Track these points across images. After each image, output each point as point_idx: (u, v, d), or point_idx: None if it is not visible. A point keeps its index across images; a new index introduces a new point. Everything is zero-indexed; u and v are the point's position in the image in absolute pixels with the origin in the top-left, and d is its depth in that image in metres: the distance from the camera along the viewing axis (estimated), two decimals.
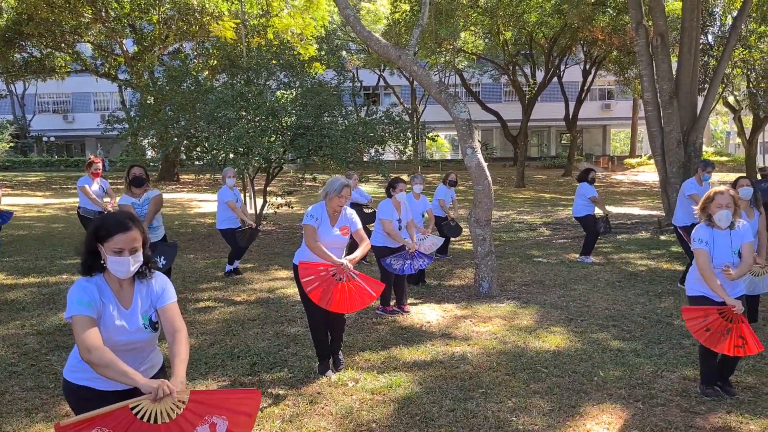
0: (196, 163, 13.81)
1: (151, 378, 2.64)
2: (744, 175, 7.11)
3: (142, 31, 26.81)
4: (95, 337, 2.46)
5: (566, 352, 5.39)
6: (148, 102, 14.34)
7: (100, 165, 9.33)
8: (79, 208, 9.39)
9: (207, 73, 19.75)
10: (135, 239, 2.59)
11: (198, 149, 12.98)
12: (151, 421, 2.39)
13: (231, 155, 11.75)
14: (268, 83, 13.46)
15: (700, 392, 4.46)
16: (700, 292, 4.41)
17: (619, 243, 11.82)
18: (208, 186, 26.56)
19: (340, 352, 5.02)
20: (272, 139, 11.54)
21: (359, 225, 4.90)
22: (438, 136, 44.28)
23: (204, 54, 23.37)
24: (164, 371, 2.88)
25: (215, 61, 18.94)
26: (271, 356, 5.25)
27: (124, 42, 26.78)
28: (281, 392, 4.49)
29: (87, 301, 2.54)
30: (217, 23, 20.37)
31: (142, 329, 2.65)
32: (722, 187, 4.33)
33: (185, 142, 13.00)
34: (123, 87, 31.03)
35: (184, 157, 13.93)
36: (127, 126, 13.26)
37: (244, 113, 11.96)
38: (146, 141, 14.18)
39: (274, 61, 13.67)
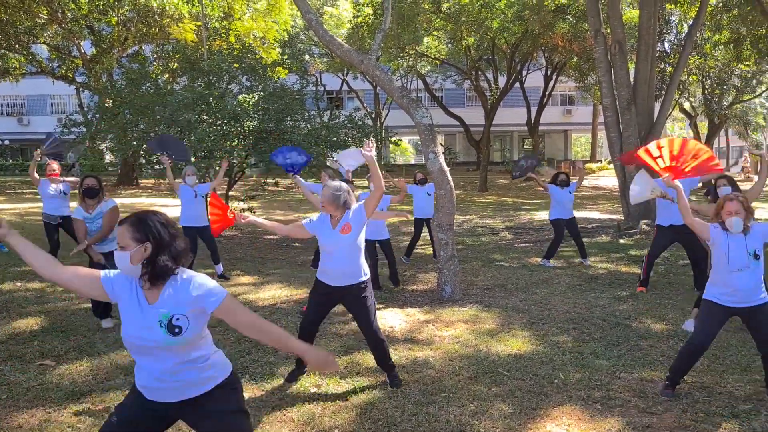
0: (156, 167, 13.60)
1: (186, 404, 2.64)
2: (726, 174, 7.26)
3: (101, 32, 26.32)
4: (66, 270, 2.60)
5: (527, 355, 5.44)
6: (107, 105, 14.08)
7: (54, 166, 9.09)
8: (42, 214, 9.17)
9: (167, 76, 19.49)
10: (122, 235, 2.52)
11: (157, 153, 12.79)
12: None
13: (192, 159, 11.60)
14: (229, 87, 13.34)
15: (659, 393, 4.52)
16: (712, 296, 4.50)
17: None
18: (168, 191, 26.17)
19: (394, 372, 4.82)
20: (234, 143, 11.43)
21: (361, 206, 4.62)
22: (401, 140, 44.35)
23: (164, 57, 23.05)
24: (208, 399, 2.68)
25: (176, 64, 18.71)
26: (231, 362, 5.17)
27: (81, 44, 26.27)
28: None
29: (109, 275, 2.62)
30: (178, 26, 20.13)
31: (155, 327, 2.51)
32: (732, 194, 4.45)
33: (144, 146, 12.80)
34: (81, 90, 30.39)
35: (144, 161, 13.71)
36: (84, 129, 12.99)
37: (205, 117, 11.83)
38: (104, 145, 13.92)
39: (236, 65, 13.56)
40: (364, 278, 4.62)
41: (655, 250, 8.01)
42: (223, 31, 20.66)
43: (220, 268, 8.85)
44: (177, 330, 2.52)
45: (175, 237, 2.60)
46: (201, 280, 2.60)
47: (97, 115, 13.44)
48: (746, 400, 4.44)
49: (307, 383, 4.74)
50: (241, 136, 11.71)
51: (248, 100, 12.58)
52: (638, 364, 5.21)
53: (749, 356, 5.38)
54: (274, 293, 7.92)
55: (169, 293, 2.55)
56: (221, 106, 11.55)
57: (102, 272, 2.63)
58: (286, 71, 16.75)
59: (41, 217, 9.24)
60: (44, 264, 2.60)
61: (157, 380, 2.59)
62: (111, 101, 14.19)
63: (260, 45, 19.39)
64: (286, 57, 20.79)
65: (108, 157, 14.50)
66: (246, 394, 4.48)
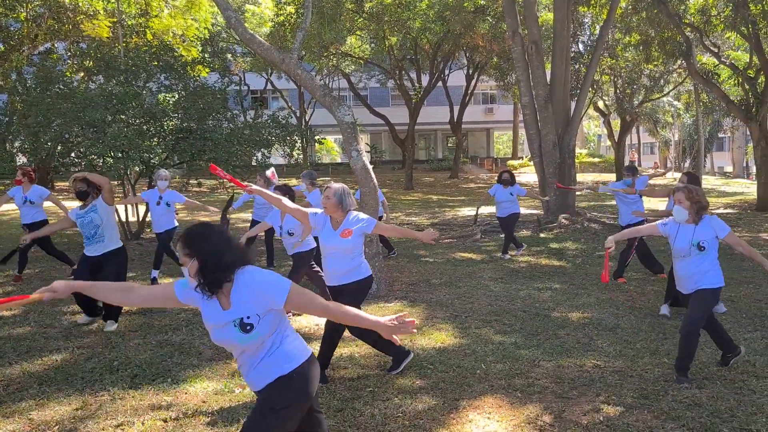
0: (72, 169, 13.08)
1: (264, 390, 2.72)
2: (690, 171, 7.71)
3: (9, 29, 25.01)
4: (140, 296, 2.83)
5: (451, 348, 5.56)
6: (16, 106, 13.44)
7: (18, 172, 8.70)
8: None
9: (82, 74, 18.73)
10: (180, 251, 2.67)
11: (72, 155, 12.31)
12: None
13: (109, 159, 11.23)
14: (147, 85, 12.98)
15: (677, 383, 4.60)
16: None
17: (501, 241, 12.29)
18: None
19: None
20: (152, 142, 11.14)
21: (373, 223, 4.71)
22: (326, 139, 44.30)
23: (78, 55, 22.14)
24: (285, 381, 2.70)
25: (90, 63, 18.01)
26: (153, 367, 5.07)
27: None
28: (164, 403, 4.35)
29: (183, 285, 2.78)
30: (92, 22, 19.36)
31: (231, 327, 2.65)
32: (679, 185, 4.78)
33: (58, 147, 12.28)
34: None
35: (58, 163, 13.15)
36: None
37: (122, 116, 11.47)
38: (15, 147, 13.28)
39: (154, 63, 13.19)
40: (359, 278, 4.77)
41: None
42: (140, 28, 20.01)
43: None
44: (249, 327, 2.64)
45: (224, 248, 2.66)
46: (261, 278, 2.68)
47: (7, 117, 12.80)
48: (655, 382, 4.69)
49: (232, 384, 4.70)
50: (160, 136, 11.41)
51: (168, 99, 12.27)
52: (556, 352, 5.42)
53: (658, 340, 5.69)
54: None
55: (237, 297, 2.66)
56: (138, 105, 11.22)
57: (174, 285, 2.79)
58: (208, 70, 16.42)
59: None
60: (119, 299, 2.90)
61: (247, 373, 2.76)
62: (21, 101, 13.54)
63: (180, 43, 18.88)
64: (207, 55, 20.35)
65: (21, 160, 13.79)
66: (168, 398, 4.41)
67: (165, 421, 4.06)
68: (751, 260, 4.79)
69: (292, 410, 2.67)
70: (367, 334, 4.82)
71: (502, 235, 11.03)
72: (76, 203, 6.38)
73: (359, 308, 4.67)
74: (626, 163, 23.71)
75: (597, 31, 22.94)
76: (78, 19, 21.18)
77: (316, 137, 14.34)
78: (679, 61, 24.10)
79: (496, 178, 10.78)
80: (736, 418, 4.02)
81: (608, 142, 37.26)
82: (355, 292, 4.81)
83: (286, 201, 4.77)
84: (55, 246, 9.20)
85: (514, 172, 10.74)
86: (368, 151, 41.89)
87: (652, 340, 5.71)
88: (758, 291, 7.72)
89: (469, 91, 33.40)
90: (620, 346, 5.57)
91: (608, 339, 5.79)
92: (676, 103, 38.20)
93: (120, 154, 10.68)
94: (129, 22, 20.22)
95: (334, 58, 28.62)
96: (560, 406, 4.26)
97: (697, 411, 4.13)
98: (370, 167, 7.75)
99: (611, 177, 31.65)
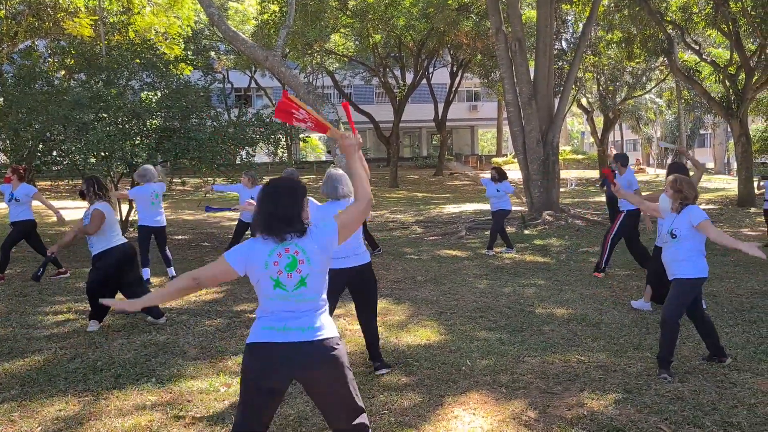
0: (53, 168, 12.94)
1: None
2: (675, 161, 7.74)
3: None
4: (205, 280, 2.87)
5: (436, 345, 5.58)
6: None
7: (9, 170, 8.68)
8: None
9: (63, 72, 18.55)
10: None
11: (54, 154, 12.19)
12: None
13: (91, 159, 11.14)
14: (130, 83, 12.87)
15: (659, 377, 4.66)
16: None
17: (486, 238, 12.34)
18: (68, 192, 24.98)
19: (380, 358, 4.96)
20: (136, 142, 11.06)
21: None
22: (310, 137, 44.23)
23: (59, 52, 21.92)
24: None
25: (72, 61, 17.83)
26: (137, 367, 5.04)
27: None
28: (148, 403, 4.33)
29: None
30: (73, 20, 19.18)
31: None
32: (671, 177, 4.89)
33: (40, 146, 12.15)
34: None
35: (39, 162, 13.02)
36: None
37: (105, 115, 11.37)
38: None
39: (136, 61, 13.09)
40: (369, 260, 4.84)
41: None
42: (122, 25, 19.86)
43: (171, 270, 8.66)
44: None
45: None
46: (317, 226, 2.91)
47: None
48: (638, 376, 4.73)
49: (217, 383, 4.68)
50: (144, 135, 11.33)
51: (150, 97, 12.18)
52: (541, 347, 5.45)
53: (641, 335, 5.74)
54: None
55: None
56: (120, 104, 11.13)
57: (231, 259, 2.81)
58: (191, 68, 16.32)
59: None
60: (187, 291, 2.92)
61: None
62: (1, 100, 13.37)
63: (162, 40, 18.76)
64: (190, 53, 20.25)
65: (1, 158, 13.65)
66: (152, 398, 4.39)
67: (150, 421, 4.04)
68: (722, 245, 4.83)
69: None
70: (368, 332, 4.89)
71: (488, 232, 11.08)
72: (64, 203, 6.36)
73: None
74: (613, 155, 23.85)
75: (580, 29, 23.06)
76: (59, 16, 20.97)
77: (301, 135, 14.30)
78: (660, 59, 24.32)
79: (485, 175, 10.91)
80: (718, 411, 4.07)
81: (592, 139, 37.50)
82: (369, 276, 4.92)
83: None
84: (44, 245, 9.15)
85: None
86: None
87: (635, 335, 5.76)
88: (739, 286, 7.82)
89: (454, 89, 33.46)
90: (604, 341, 5.62)
91: (592, 334, 5.83)
92: (658, 100, 38.54)
93: (103, 154, 10.59)
94: (111, 20, 20.06)
95: (318, 56, 28.56)
96: (545, 401, 4.29)
97: (680, 404, 4.18)
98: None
99: (594, 173, 31.84)
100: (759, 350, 5.28)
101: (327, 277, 2.88)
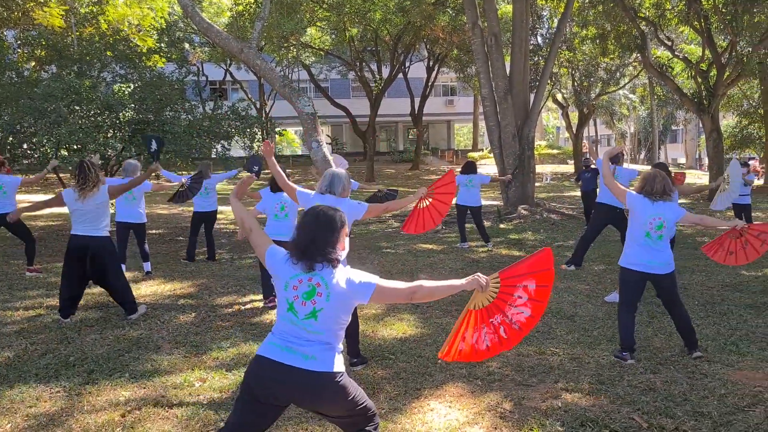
0: (24, 161, 12.73)
1: None
2: (660, 161, 7.88)
3: None
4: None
5: (413, 338, 5.59)
6: None
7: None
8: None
9: (34, 63, 18.21)
10: None
11: (24, 146, 11.98)
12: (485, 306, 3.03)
13: (64, 152, 10.97)
14: (102, 75, 12.69)
15: (614, 357, 4.96)
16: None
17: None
18: (39, 186, 24.57)
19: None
20: (109, 135, 10.91)
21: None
22: (286, 131, 43.93)
23: (29, 43, 21.53)
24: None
25: (42, 52, 17.52)
26: (110, 362, 4.98)
27: None
28: (122, 398, 4.27)
29: None
30: (43, 10, 18.79)
31: None
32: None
33: (10, 138, 11.93)
34: None
35: (9, 155, 12.79)
36: None
37: (77, 108, 11.19)
38: None
39: (108, 53, 12.91)
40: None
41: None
42: (94, 16, 19.53)
43: (147, 266, 8.55)
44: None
45: None
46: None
47: None
48: (611, 368, 4.79)
49: (192, 377, 4.64)
50: (117, 128, 11.18)
51: (123, 89, 12.03)
52: None
53: (614, 328, 5.79)
54: (156, 289, 7.67)
55: None
56: (93, 96, 10.97)
57: None
58: (164, 60, 16.14)
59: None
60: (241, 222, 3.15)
61: None
62: None
63: (135, 32, 18.49)
64: (164, 45, 19.98)
65: None
66: (126, 393, 4.35)
67: (123, 416, 3.99)
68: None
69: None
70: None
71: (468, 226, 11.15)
72: (43, 196, 6.25)
73: None
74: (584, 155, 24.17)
75: (555, 24, 23.22)
76: (28, 6, 20.52)
77: (277, 129, 14.24)
78: (634, 55, 24.60)
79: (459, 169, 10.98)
80: (689, 402, 4.14)
81: (567, 134, 37.84)
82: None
83: (282, 176, 4.90)
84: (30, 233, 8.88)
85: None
86: (329, 143, 41.72)
87: (608, 328, 5.83)
88: (710, 279, 7.95)
89: (430, 83, 33.50)
90: (578, 333, 5.68)
91: (567, 327, 5.89)
92: (631, 95, 39.02)
93: (75, 147, 10.43)
94: (82, 10, 19.69)
95: (294, 49, 28.38)
96: (520, 393, 4.32)
97: (652, 395, 4.24)
98: (331, 158, 7.73)
99: (570, 168, 32.15)
100: (729, 342, 5.38)
101: (344, 319, 2.81)
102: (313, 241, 2.76)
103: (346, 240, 3.02)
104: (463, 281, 2.92)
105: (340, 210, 2.90)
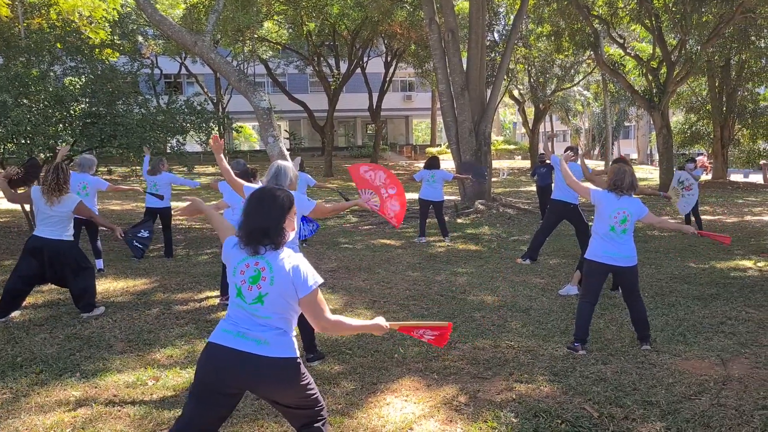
0: None
1: None
2: (621, 156, 8.00)
3: None
4: None
5: (369, 333, 5.59)
6: None
7: None
8: None
9: None
10: None
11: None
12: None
13: (10, 145, 10.62)
14: (52, 68, 12.33)
15: (567, 348, 5.10)
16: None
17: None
18: None
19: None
20: (59, 127, 10.61)
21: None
22: (244, 126, 43.39)
23: None
24: None
25: None
26: (60, 362, 4.86)
27: None
28: (73, 399, 4.18)
29: None
30: None
31: None
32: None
33: None
34: None
35: None
36: None
37: (26, 101, 10.84)
38: None
39: (58, 45, 12.55)
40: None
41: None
42: (43, 7, 18.96)
43: (100, 263, 8.35)
44: None
45: None
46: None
47: None
48: (564, 359, 4.88)
49: (144, 376, 4.57)
50: (67, 121, 10.88)
51: (74, 82, 11.70)
52: (472, 334, 5.55)
53: (568, 320, 5.92)
54: (108, 286, 7.51)
55: None
56: (42, 88, 10.65)
57: None
58: (117, 53, 15.77)
59: None
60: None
61: None
62: None
63: (87, 24, 18.01)
64: (116, 38, 19.52)
65: None
66: (77, 393, 4.25)
67: (74, 417, 3.90)
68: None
69: None
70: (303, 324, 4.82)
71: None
72: None
73: None
74: (540, 151, 24.53)
75: (511, 21, 23.47)
76: None
77: (234, 125, 14.04)
78: (588, 52, 25.02)
79: (419, 165, 11.12)
80: (638, 391, 4.25)
81: (523, 130, 38.32)
82: None
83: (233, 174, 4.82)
84: None
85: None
86: (287, 138, 41.40)
87: (562, 320, 5.94)
88: (659, 271, 8.16)
89: (388, 79, 33.51)
90: (533, 326, 5.77)
91: (521, 320, 5.98)
92: (585, 92, 39.68)
93: (24, 140, 10.12)
94: (30, 1, 19.11)
95: (251, 43, 28.06)
96: (475, 386, 4.37)
97: (603, 386, 4.34)
98: (287, 153, 7.68)
99: (526, 164, 32.56)
100: (677, 332, 5.54)
101: (291, 305, 2.75)
102: (258, 223, 2.72)
103: (295, 220, 2.97)
104: (368, 323, 3.04)
105: (285, 190, 2.86)
